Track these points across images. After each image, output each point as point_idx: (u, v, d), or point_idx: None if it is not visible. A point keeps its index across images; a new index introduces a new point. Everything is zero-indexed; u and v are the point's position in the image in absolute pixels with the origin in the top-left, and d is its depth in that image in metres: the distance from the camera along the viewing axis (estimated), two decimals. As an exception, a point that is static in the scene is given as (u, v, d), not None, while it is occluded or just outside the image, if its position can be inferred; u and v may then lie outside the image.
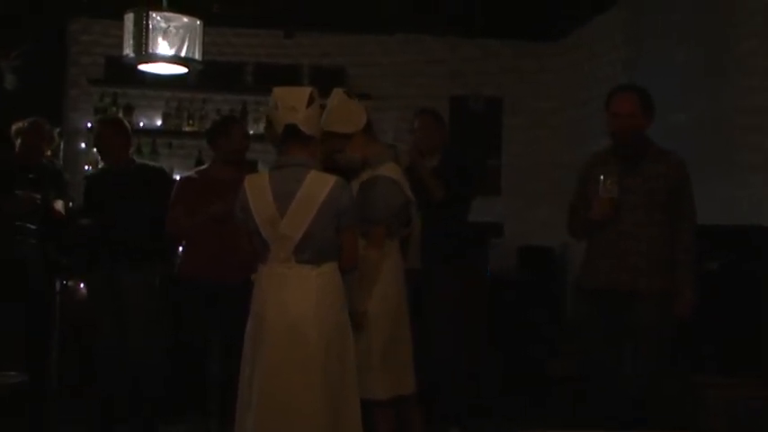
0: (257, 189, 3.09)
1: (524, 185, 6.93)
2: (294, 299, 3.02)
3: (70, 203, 4.77)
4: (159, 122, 6.64)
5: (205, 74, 5.97)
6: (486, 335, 5.12)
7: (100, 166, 5.15)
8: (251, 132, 6.49)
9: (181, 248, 4.57)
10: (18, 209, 4.36)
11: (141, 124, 6.63)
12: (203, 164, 6.01)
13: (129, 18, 4.22)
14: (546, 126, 7.00)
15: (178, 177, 4.80)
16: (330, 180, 3.08)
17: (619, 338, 3.49)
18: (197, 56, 4.34)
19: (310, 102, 3.09)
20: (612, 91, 3.62)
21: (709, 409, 3.68)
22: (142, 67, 4.45)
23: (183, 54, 4.27)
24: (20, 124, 4.57)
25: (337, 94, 3.43)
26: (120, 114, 6.49)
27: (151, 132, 6.64)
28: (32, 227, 4.43)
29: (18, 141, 4.54)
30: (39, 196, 4.42)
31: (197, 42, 4.32)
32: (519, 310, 6.12)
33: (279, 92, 3.13)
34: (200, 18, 4.31)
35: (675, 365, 3.49)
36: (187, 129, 6.64)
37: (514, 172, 6.94)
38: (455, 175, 4.35)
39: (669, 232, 3.48)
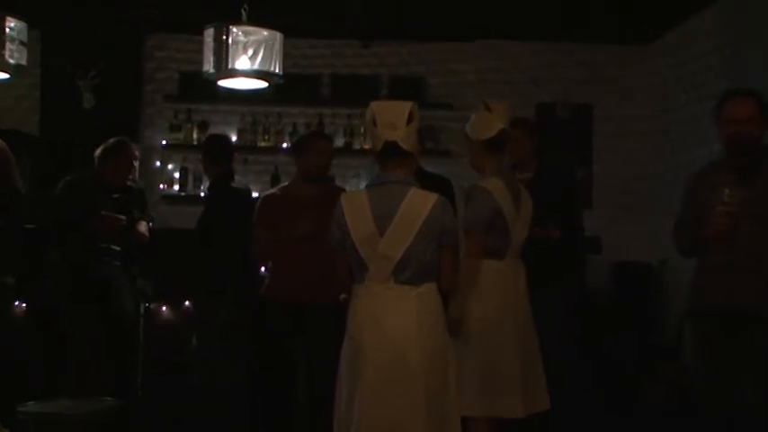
0: (355, 207, 3.12)
1: (617, 197, 6.81)
2: (394, 320, 3.05)
3: (150, 223, 4.88)
4: (234, 138, 6.72)
5: (280, 87, 6.03)
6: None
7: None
8: (330, 147, 6.61)
9: (264, 269, 4.64)
10: (104, 230, 4.47)
11: (216, 140, 6.73)
12: (279, 180, 6.12)
13: (209, 33, 4.25)
14: (639, 134, 6.90)
15: (255, 194, 4.88)
16: (431, 198, 3.10)
17: (734, 365, 3.37)
18: (277, 69, 4.37)
19: (410, 118, 3.11)
20: (727, 95, 3.51)
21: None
22: (222, 82, 4.51)
23: (263, 68, 4.29)
24: (110, 143, 4.67)
25: (480, 104, 3.73)
26: (195, 131, 6.64)
27: (226, 149, 6.73)
28: (117, 248, 4.56)
29: (106, 162, 4.64)
30: (124, 217, 4.53)
31: (277, 56, 4.35)
32: (614, 330, 6.04)
33: (377, 107, 3.14)
34: (279, 31, 4.35)
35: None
36: (262, 144, 6.73)
37: (606, 183, 6.85)
38: (558, 196, 4.34)
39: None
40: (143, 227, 4.70)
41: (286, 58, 5.22)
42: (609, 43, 6.80)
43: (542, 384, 3.69)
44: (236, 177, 4.88)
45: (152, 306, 4.79)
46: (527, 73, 6.86)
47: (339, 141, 6.71)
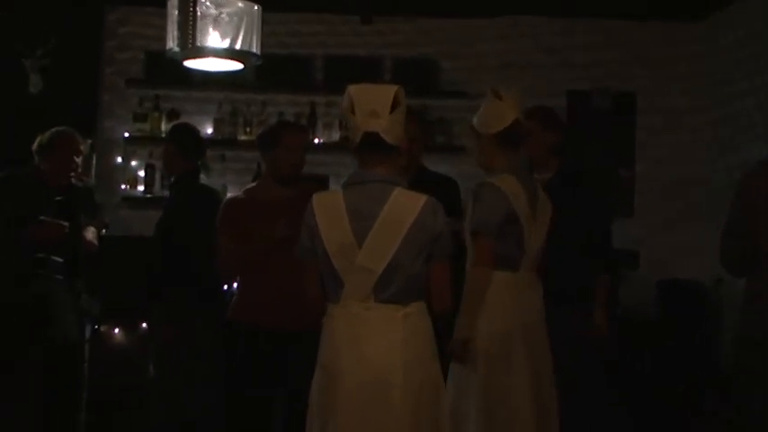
0: (328, 210, 3.11)
1: (664, 203, 6.75)
2: (375, 347, 3.04)
3: (103, 231, 4.85)
4: (210, 130, 6.72)
5: (265, 70, 6.01)
6: (614, 392, 5.02)
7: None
8: (320, 141, 6.58)
9: (235, 285, 4.62)
10: (42, 238, 4.44)
11: (189, 133, 6.71)
12: (264, 180, 6.06)
13: (173, 4, 4.29)
14: (690, 128, 6.83)
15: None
16: (420, 200, 3.09)
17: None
18: (255, 48, 4.39)
19: (395, 105, 3.10)
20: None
21: None
22: (189, 63, 4.53)
23: (237, 47, 4.31)
24: (46, 135, 4.66)
25: (488, 92, 3.80)
26: (163, 121, 6.61)
27: (201, 143, 6.70)
28: (59, 260, 4.53)
29: (45, 156, 4.62)
30: (66, 224, 4.50)
31: (255, 32, 4.36)
32: (659, 361, 6.00)
33: (355, 91, 3.13)
34: (257, 2, 4.34)
35: None
36: (243, 138, 6.71)
37: (651, 185, 6.78)
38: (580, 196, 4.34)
39: None
40: (91, 234, 4.68)
41: (272, 36, 5.23)
42: (656, 19, 6.73)
43: (555, 417, 3.72)
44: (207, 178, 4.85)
45: (101, 328, 4.76)
46: (558, 55, 6.79)
47: (334, 135, 6.71)
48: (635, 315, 5.97)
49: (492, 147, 3.73)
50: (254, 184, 4.62)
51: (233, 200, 4.43)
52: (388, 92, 3.12)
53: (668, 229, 6.68)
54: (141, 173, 6.65)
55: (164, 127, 6.61)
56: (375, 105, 3.08)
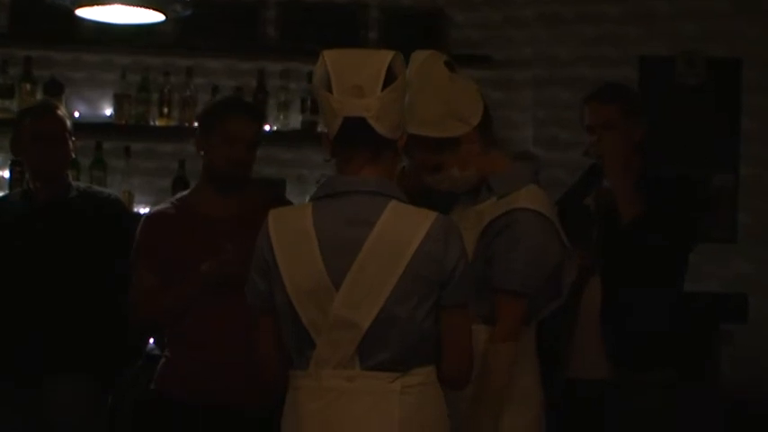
0: (291, 236, 3.13)
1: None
2: None
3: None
4: (109, 111, 6.77)
5: (191, 24, 6.04)
6: None
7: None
8: (272, 128, 6.60)
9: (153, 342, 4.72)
10: None
11: (77, 114, 6.71)
12: (188, 186, 6.13)
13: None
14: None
15: (143, 215, 4.93)
16: (425, 219, 3.11)
17: None
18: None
19: (390, 78, 3.12)
20: None
21: None
22: (83, 12, 4.64)
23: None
24: None
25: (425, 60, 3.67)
26: (40, 96, 6.61)
27: (95, 129, 6.72)
28: None
29: None
30: None
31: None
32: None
33: (335, 58, 3.15)
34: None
35: None
36: (159, 123, 6.77)
37: (764, 198, 6.82)
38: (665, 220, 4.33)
39: None
40: None
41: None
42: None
43: None
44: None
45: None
46: (624, 6, 6.87)
47: (293, 120, 6.76)
48: (745, 394, 5.99)
49: (479, 146, 3.69)
50: (185, 192, 4.64)
51: (156, 215, 4.49)
52: (379, 60, 3.13)
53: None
54: (5, 173, 6.70)
55: (41, 106, 6.67)
56: (360, 78, 3.09)
